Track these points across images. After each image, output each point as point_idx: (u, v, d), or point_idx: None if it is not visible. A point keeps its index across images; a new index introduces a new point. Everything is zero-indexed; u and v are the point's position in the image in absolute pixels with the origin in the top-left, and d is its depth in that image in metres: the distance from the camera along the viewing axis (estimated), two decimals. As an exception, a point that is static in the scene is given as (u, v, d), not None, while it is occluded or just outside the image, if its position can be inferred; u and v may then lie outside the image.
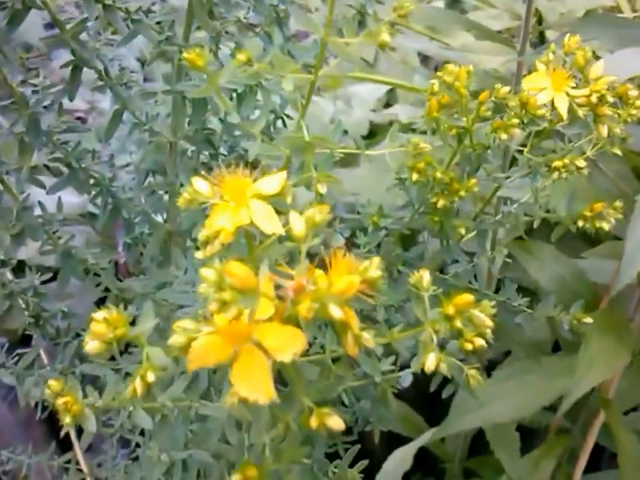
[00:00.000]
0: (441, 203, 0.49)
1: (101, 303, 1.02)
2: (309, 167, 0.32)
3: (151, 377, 0.25)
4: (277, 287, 0.24)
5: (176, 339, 0.24)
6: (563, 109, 0.45)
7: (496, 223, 0.58)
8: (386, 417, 0.42)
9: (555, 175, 0.48)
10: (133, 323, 0.27)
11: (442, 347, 0.41)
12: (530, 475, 0.80)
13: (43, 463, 0.70)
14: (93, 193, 0.59)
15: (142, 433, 0.72)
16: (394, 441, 0.88)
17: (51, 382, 0.28)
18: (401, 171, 0.52)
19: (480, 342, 0.32)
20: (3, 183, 0.50)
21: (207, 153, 0.61)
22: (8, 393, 0.89)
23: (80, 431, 0.82)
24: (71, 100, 0.51)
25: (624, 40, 0.73)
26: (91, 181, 0.59)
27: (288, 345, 0.23)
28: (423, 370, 0.41)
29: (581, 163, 0.48)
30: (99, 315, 0.25)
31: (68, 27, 0.45)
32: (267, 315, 0.24)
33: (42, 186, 0.52)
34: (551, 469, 0.81)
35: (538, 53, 0.98)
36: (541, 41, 1.17)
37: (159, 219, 0.68)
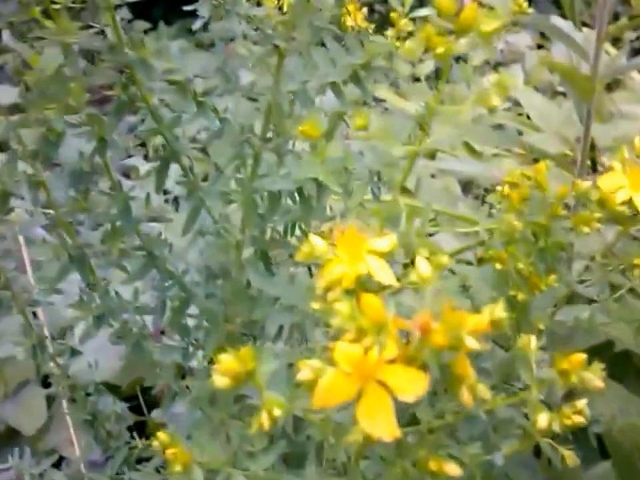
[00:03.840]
0: (520, 297, 0.50)
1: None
2: (409, 235, 0.34)
3: (277, 412, 0.26)
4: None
5: (304, 375, 0.25)
6: (642, 207, 0.47)
7: (569, 328, 0.59)
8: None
9: (637, 272, 0.49)
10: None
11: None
12: None
13: None
14: (167, 284, 0.62)
15: None
16: None
17: (160, 434, 0.29)
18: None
19: (579, 419, 0.33)
20: (89, 267, 0.54)
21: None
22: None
23: None
24: (157, 192, 0.56)
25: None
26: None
27: (412, 386, 0.24)
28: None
29: (660, 260, 0.49)
30: (225, 355, 0.27)
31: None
32: (391, 355, 0.25)
33: (127, 271, 0.55)
34: None
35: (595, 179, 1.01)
36: (593, 166, 1.20)
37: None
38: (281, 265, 0.67)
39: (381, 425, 0.24)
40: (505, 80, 0.34)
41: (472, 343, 0.24)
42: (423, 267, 0.27)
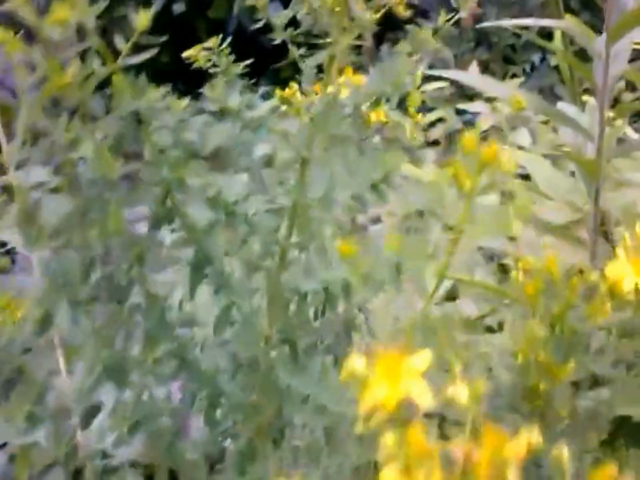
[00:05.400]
0: (542, 387, 0.51)
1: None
2: (441, 348, 0.36)
3: None
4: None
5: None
6: (646, 293, 0.48)
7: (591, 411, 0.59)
8: None
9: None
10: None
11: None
12: None
13: None
14: (197, 385, 0.63)
15: None
16: None
17: None
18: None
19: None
20: (123, 374, 0.55)
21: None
22: None
23: None
24: (191, 298, 0.58)
25: None
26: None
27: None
28: None
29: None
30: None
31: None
32: (437, 484, 0.26)
33: (164, 383, 0.56)
34: None
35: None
36: (605, 235, 1.22)
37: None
38: (309, 353, 0.68)
39: None
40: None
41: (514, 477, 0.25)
42: (462, 394, 0.28)
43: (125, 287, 0.50)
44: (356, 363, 0.31)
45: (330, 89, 0.51)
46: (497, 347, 0.61)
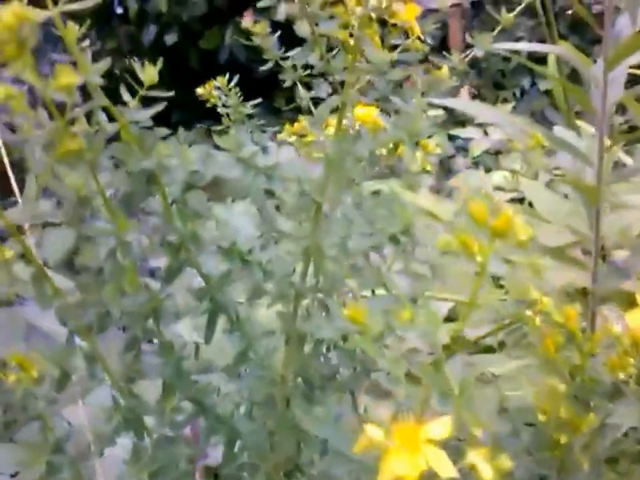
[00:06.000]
0: (563, 440, 0.49)
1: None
2: (460, 413, 0.33)
3: None
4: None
5: None
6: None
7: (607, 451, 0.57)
8: None
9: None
10: None
11: None
12: None
13: None
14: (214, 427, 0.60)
15: None
16: None
17: None
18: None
19: None
20: (141, 423, 0.52)
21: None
22: None
23: None
24: (206, 343, 0.55)
25: None
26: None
27: None
28: None
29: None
30: None
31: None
32: None
33: (180, 427, 0.54)
34: None
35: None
36: (602, 255, 1.20)
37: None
38: (326, 391, 0.66)
39: None
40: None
41: None
42: (485, 470, 0.26)
43: (140, 338, 0.48)
44: (373, 432, 0.29)
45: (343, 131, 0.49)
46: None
